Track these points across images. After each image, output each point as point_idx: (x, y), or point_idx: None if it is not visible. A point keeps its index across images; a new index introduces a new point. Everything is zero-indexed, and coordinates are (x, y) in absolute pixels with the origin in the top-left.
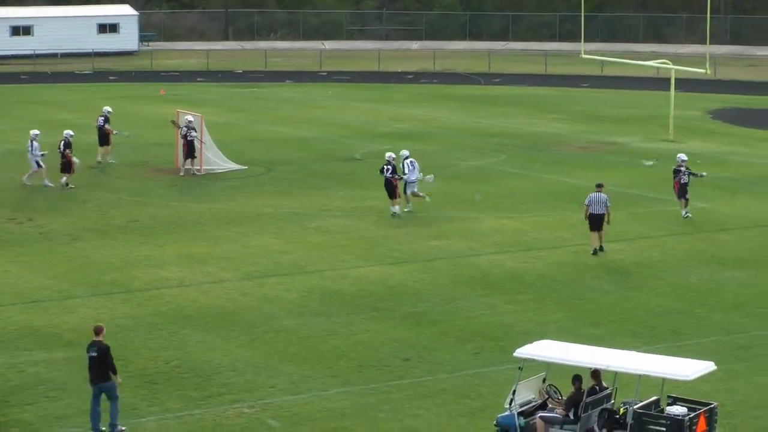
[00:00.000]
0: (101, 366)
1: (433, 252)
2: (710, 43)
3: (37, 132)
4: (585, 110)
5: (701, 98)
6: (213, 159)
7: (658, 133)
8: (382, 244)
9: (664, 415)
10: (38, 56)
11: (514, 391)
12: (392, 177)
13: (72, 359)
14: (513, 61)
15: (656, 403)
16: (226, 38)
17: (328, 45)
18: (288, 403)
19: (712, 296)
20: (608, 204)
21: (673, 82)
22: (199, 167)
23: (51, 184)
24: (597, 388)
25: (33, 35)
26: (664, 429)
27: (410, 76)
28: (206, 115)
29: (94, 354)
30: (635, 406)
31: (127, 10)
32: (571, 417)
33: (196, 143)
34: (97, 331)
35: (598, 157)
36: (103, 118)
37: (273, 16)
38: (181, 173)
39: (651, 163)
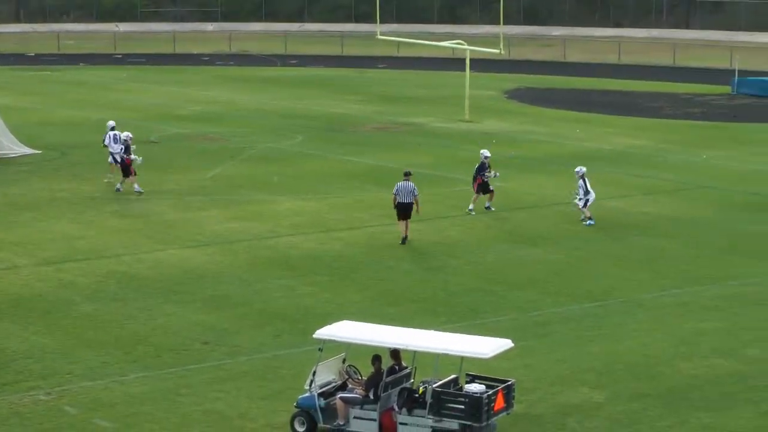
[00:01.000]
0: None
1: (232, 234)
2: (504, 24)
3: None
4: (382, 91)
5: (496, 78)
6: (5, 143)
7: (454, 114)
8: (181, 228)
9: (463, 393)
10: None
11: (314, 373)
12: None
13: None
14: (309, 42)
15: (455, 381)
16: (17, 20)
17: (123, 27)
18: (86, 389)
19: (509, 274)
20: (416, 193)
21: (468, 62)
22: None
23: None
24: (396, 367)
25: None
26: (463, 407)
27: (206, 58)
28: None
29: None
30: (434, 385)
31: None
32: (371, 397)
33: None
34: None
35: (395, 137)
36: None
37: None
38: None
39: (513, 153)
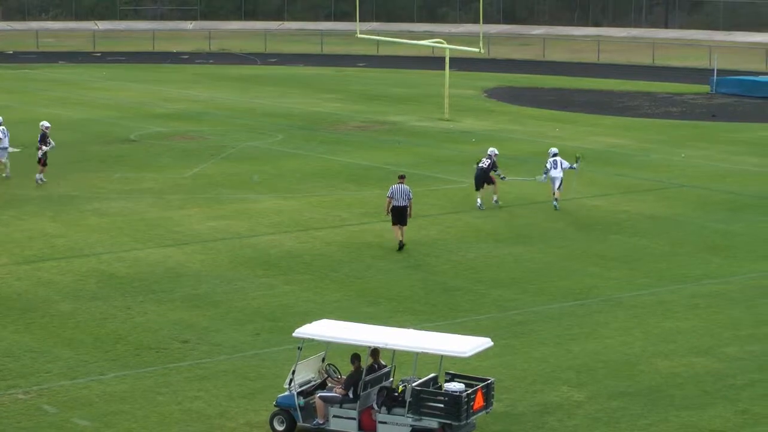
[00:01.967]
0: None
1: (212, 233)
2: (484, 23)
3: None
4: (361, 90)
5: (476, 77)
6: None
7: (433, 112)
8: (160, 226)
9: (442, 391)
10: None
11: (294, 371)
12: None
13: None
14: (289, 41)
15: (434, 380)
16: None
17: (102, 25)
18: (65, 388)
19: (489, 273)
20: (411, 196)
21: (447, 61)
22: None
23: None
24: (376, 366)
25: None
26: (442, 405)
27: (185, 57)
28: None
29: None
30: (413, 384)
31: None
32: (351, 396)
33: None
34: None
35: (374, 136)
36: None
37: None
38: None
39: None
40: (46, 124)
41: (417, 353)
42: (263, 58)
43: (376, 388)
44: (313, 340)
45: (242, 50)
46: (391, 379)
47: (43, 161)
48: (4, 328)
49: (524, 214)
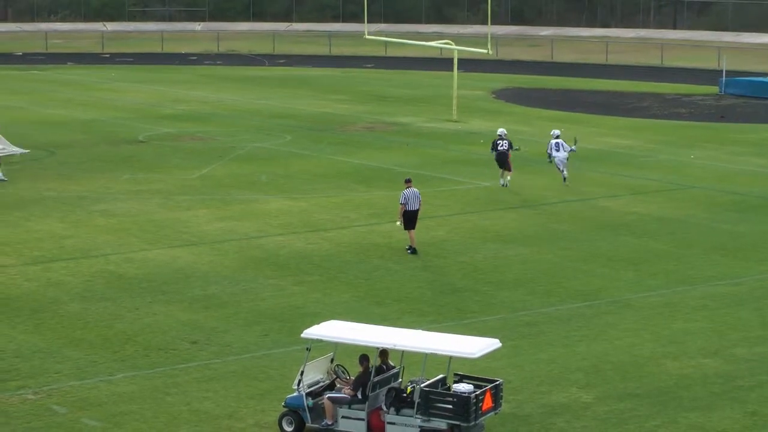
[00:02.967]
0: None
1: (221, 234)
2: (492, 24)
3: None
4: (369, 91)
5: (484, 78)
6: None
7: (441, 113)
8: (169, 227)
9: (451, 392)
10: None
11: (302, 372)
12: None
13: None
14: (297, 42)
15: (443, 381)
16: (4, 19)
17: (110, 27)
18: (74, 389)
19: (497, 274)
20: (421, 199)
21: (456, 62)
22: None
23: None
24: (384, 367)
25: None
26: (451, 406)
27: (194, 58)
28: None
29: None
30: (422, 385)
31: None
32: (359, 396)
33: None
34: None
35: (382, 137)
36: None
37: None
38: None
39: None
40: None
41: (426, 354)
42: (271, 60)
43: (384, 389)
44: (321, 340)
45: (250, 51)
46: (400, 380)
47: None
48: (13, 328)
49: (532, 215)
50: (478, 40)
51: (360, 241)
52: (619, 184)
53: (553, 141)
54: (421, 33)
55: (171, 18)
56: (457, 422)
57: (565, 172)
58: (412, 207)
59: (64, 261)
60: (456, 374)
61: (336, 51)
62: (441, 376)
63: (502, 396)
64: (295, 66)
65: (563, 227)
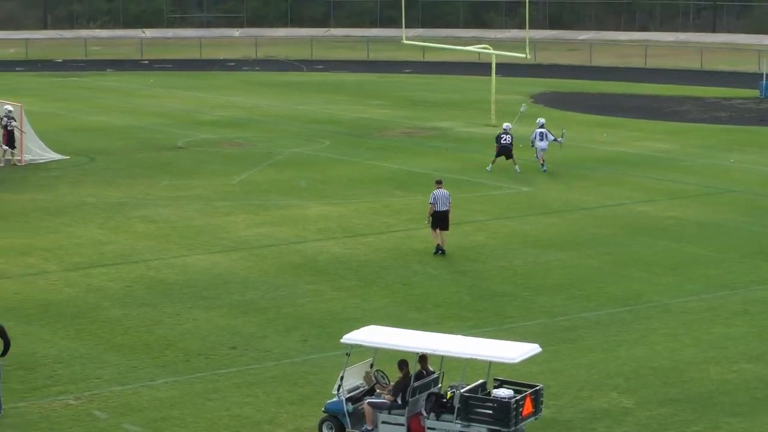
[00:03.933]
0: None
1: (259, 239)
2: (530, 28)
3: None
4: (407, 96)
5: (522, 82)
6: (34, 149)
7: (480, 118)
8: (208, 233)
9: (491, 397)
10: None
11: (342, 378)
12: None
13: None
14: (335, 47)
15: (483, 386)
16: (44, 27)
17: (149, 33)
18: (115, 394)
19: (536, 279)
20: (450, 200)
21: (494, 66)
22: (19, 157)
23: None
24: (424, 372)
25: None
26: (491, 412)
27: (232, 64)
28: (26, 105)
29: None
30: (462, 390)
31: None
32: (399, 402)
33: (17, 133)
34: None
35: (421, 142)
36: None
37: (92, 4)
38: (1, 164)
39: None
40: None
41: (465, 359)
42: (309, 65)
43: (424, 395)
44: (361, 346)
45: (288, 57)
46: (440, 385)
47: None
48: (54, 334)
49: (571, 220)
50: (516, 45)
51: (398, 247)
52: (658, 189)
53: (538, 130)
54: (458, 38)
55: (209, 24)
56: (498, 427)
57: (543, 162)
58: (441, 207)
59: (104, 267)
60: (496, 379)
61: (374, 56)
62: (481, 381)
63: (542, 401)
64: (332, 71)
65: (602, 231)
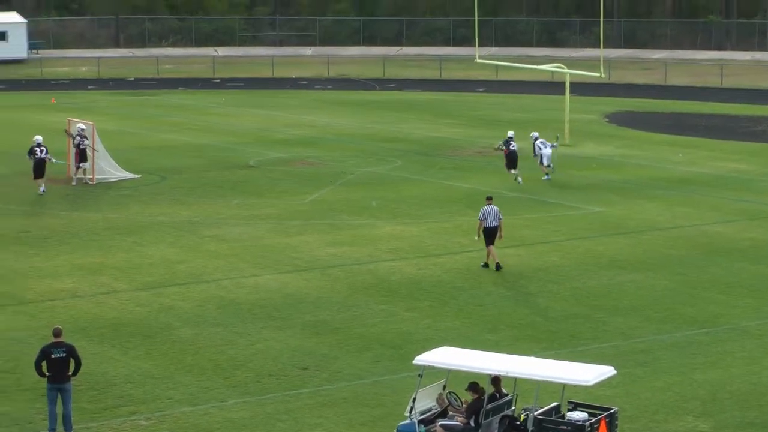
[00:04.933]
0: (68, 366)
1: (331, 259)
2: (604, 47)
3: None
4: (481, 115)
5: (596, 102)
6: (106, 168)
7: (554, 138)
8: (280, 252)
9: (565, 420)
10: None
11: (414, 399)
12: None
13: None
14: (407, 66)
15: (557, 408)
16: (116, 45)
17: (221, 51)
18: (186, 415)
19: (610, 300)
20: (501, 216)
21: (567, 85)
22: (91, 176)
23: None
24: (497, 394)
25: None
26: None
27: (304, 83)
28: (98, 123)
29: (62, 355)
30: (536, 413)
31: (15, 17)
32: (472, 424)
33: (89, 151)
34: (58, 332)
35: (494, 162)
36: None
37: (164, 22)
38: (74, 182)
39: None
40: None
41: (539, 381)
42: (382, 84)
43: (497, 417)
44: (433, 367)
45: (360, 76)
46: (513, 407)
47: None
48: (125, 354)
49: (645, 240)
50: (590, 64)
51: (471, 267)
52: (734, 209)
53: (538, 142)
54: (532, 56)
55: (281, 43)
56: None
57: (551, 167)
58: (490, 223)
59: (175, 286)
60: (570, 402)
61: (446, 75)
62: (555, 403)
63: (617, 424)
64: (405, 90)
65: (677, 252)
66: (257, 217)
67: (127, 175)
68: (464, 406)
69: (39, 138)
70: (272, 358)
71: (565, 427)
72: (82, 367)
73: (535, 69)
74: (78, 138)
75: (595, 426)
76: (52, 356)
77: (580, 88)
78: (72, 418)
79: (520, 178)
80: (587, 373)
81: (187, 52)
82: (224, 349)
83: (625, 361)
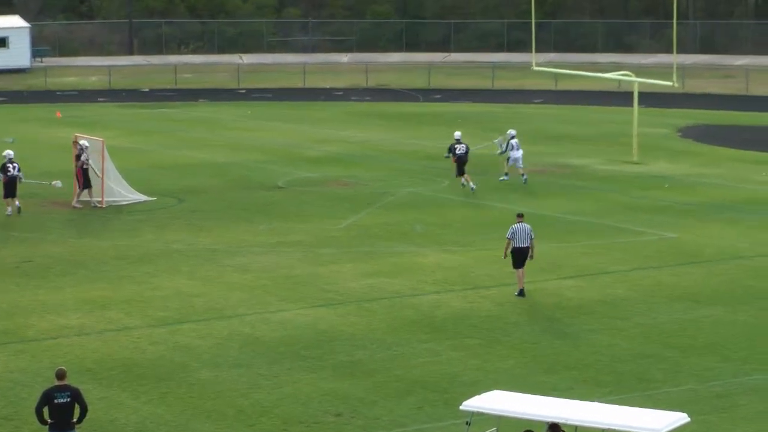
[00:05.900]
0: (72, 412)
1: (369, 292)
2: (678, 52)
3: None
4: (537, 129)
5: (669, 114)
6: (116, 189)
7: (620, 154)
8: (311, 284)
9: None
10: None
11: None
12: None
13: None
14: (455, 74)
15: None
16: (130, 52)
17: (247, 59)
18: None
19: (684, 338)
20: (533, 236)
21: (636, 96)
22: (99, 199)
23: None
24: None
25: None
26: None
27: (340, 93)
28: (108, 140)
29: (66, 400)
30: None
31: (17, 21)
32: None
33: (91, 173)
34: (62, 374)
35: (553, 181)
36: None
37: (183, 26)
38: (74, 204)
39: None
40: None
41: (603, 430)
42: (426, 95)
43: None
44: (483, 413)
45: (403, 86)
46: None
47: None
48: (136, 398)
49: (724, 270)
50: (662, 71)
51: (525, 300)
52: None
53: (514, 141)
54: (596, 63)
55: (314, 49)
56: None
57: (521, 170)
58: (520, 243)
59: (193, 322)
60: None
61: (499, 84)
62: None
63: None
64: (452, 101)
65: (761, 284)
66: (286, 245)
67: (141, 197)
68: None
69: (10, 153)
70: (301, 404)
71: None
72: (88, 413)
73: (600, 77)
74: (84, 156)
75: None
76: (55, 401)
77: (651, 98)
78: None
79: (472, 184)
80: (657, 421)
81: (208, 59)
82: (248, 393)
83: (701, 406)
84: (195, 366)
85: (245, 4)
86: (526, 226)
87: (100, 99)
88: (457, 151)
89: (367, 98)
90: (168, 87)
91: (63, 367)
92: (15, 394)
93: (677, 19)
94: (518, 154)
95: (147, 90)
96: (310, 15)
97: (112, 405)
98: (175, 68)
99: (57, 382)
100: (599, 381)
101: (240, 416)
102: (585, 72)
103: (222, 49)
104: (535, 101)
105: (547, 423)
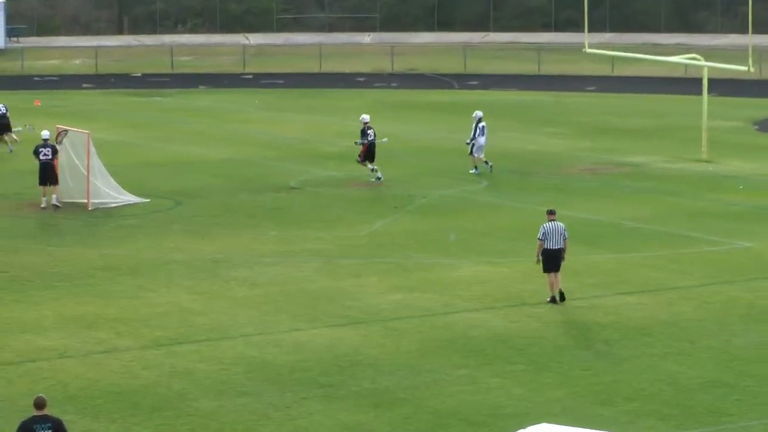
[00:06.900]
0: None
1: (396, 309)
2: (754, 33)
3: None
4: (590, 121)
5: (743, 104)
6: (104, 189)
7: (686, 151)
8: (329, 299)
9: None
10: None
11: None
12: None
13: None
14: (495, 57)
15: None
16: (119, 32)
17: (254, 39)
18: None
19: (762, 365)
20: (566, 236)
21: (705, 83)
22: (85, 200)
23: None
24: None
25: None
26: None
27: (362, 79)
28: (95, 132)
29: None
30: None
31: None
32: None
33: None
34: (42, 403)
35: (609, 181)
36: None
37: (181, 2)
38: (43, 205)
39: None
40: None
41: None
42: (462, 81)
43: None
44: None
45: (435, 70)
46: None
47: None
48: (128, 430)
49: None
50: (736, 54)
51: (578, 319)
52: None
53: (481, 124)
54: (659, 45)
55: (332, 28)
56: None
57: (483, 157)
58: (553, 245)
59: (193, 343)
60: None
61: (546, 69)
62: None
63: None
64: (492, 89)
65: None
66: (300, 254)
67: (132, 198)
68: None
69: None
70: None
71: None
72: None
73: (663, 61)
74: (50, 146)
75: None
76: None
77: (723, 85)
78: None
79: (379, 174)
80: None
81: (209, 39)
82: (255, 425)
83: None
84: (195, 394)
85: None
86: (560, 224)
87: (85, 85)
88: (369, 138)
89: (394, 85)
90: (163, 72)
91: (43, 395)
92: None
93: None
94: (483, 140)
95: (139, 75)
96: None
97: None
98: (171, 50)
99: (36, 412)
100: (663, 414)
101: None
102: (645, 55)
103: (225, 28)
104: (588, 89)
105: None
